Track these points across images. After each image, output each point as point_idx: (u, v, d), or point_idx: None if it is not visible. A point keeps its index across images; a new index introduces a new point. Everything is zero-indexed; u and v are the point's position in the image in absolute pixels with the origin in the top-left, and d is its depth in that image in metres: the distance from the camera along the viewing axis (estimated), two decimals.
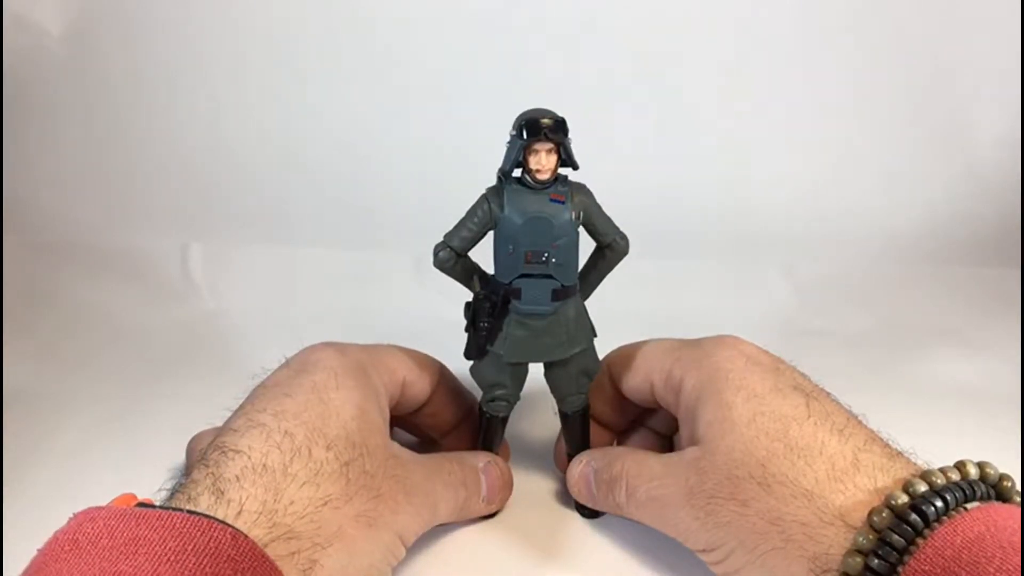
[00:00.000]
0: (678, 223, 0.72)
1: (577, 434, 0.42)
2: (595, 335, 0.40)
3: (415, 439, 0.47)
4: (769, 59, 0.71)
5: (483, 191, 0.37)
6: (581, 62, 0.69)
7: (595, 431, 0.43)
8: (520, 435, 0.48)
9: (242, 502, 0.29)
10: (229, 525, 0.26)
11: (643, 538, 0.39)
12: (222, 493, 0.29)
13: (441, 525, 0.38)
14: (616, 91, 0.70)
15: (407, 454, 0.36)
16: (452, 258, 0.37)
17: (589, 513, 0.42)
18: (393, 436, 0.37)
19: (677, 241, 0.71)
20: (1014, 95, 0.72)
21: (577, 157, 0.36)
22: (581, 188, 0.37)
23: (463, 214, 0.37)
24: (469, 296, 0.39)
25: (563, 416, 0.42)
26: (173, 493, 0.30)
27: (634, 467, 0.37)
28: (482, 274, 0.39)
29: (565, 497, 0.43)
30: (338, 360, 0.37)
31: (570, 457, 0.42)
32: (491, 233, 0.37)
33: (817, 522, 0.29)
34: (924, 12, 0.69)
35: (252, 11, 0.67)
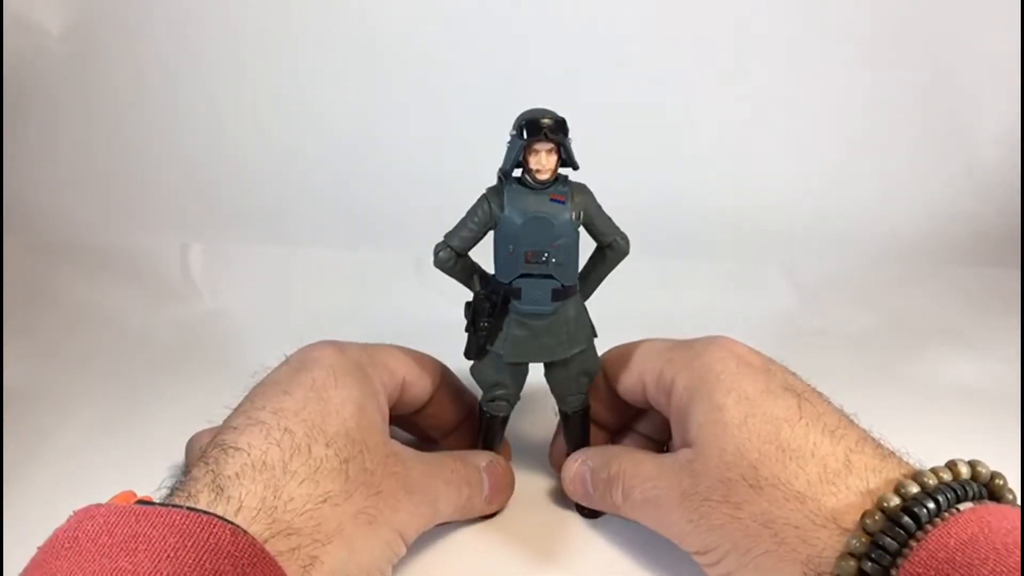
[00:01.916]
0: (678, 223, 0.72)
1: (577, 434, 0.42)
2: (595, 335, 0.40)
3: (414, 439, 0.46)
4: (770, 59, 0.71)
5: (483, 191, 0.37)
6: (581, 62, 0.69)
7: (590, 431, 0.43)
8: (520, 435, 0.48)
9: (241, 499, 0.29)
10: (228, 521, 0.26)
11: (642, 539, 0.39)
12: (222, 490, 0.29)
13: (441, 524, 0.38)
14: (616, 91, 0.70)
15: (407, 452, 0.36)
16: (452, 258, 0.38)
17: (589, 513, 0.42)
18: (392, 436, 0.37)
19: (677, 241, 0.71)
20: (1014, 95, 0.72)
21: (577, 157, 0.36)
22: (581, 188, 0.37)
23: (463, 214, 0.37)
24: (469, 296, 0.39)
25: (563, 416, 0.42)
26: (173, 491, 0.30)
27: (631, 467, 0.37)
28: (482, 274, 0.39)
29: (565, 497, 0.43)
30: (337, 358, 0.37)
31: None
32: (491, 233, 0.37)
33: (810, 525, 0.29)
34: (924, 12, 0.69)
35: (252, 11, 0.67)
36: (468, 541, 0.40)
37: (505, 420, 0.42)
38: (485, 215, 0.36)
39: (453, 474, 0.38)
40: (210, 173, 0.71)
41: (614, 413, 0.44)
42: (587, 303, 0.40)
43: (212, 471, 0.30)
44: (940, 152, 0.74)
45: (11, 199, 0.69)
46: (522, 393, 0.41)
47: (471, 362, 0.40)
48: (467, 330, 0.39)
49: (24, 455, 0.46)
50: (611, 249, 0.39)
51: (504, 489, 0.41)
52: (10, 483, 0.43)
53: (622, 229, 0.39)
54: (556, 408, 0.42)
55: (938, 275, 0.74)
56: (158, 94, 0.69)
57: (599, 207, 0.38)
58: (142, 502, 0.28)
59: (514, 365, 0.39)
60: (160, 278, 0.70)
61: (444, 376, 0.43)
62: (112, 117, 0.70)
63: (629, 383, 0.41)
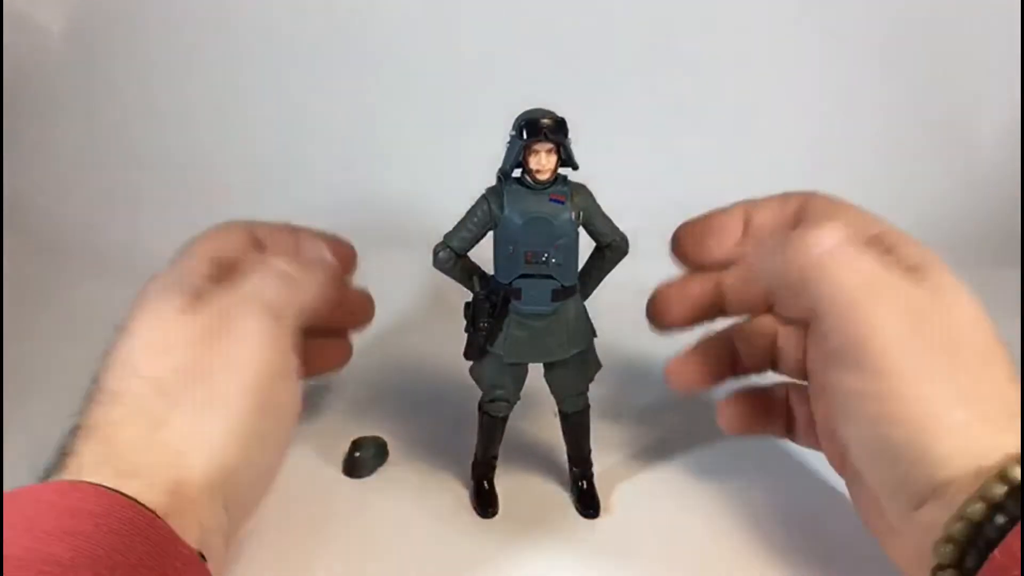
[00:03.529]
0: (678, 223, 0.72)
1: (577, 435, 0.42)
2: (595, 335, 0.40)
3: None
4: (770, 58, 0.71)
5: (483, 191, 0.37)
6: (581, 61, 0.69)
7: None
8: (520, 435, 0.48)
9: (81, 463, 0.29)
10: (80, 481, 0.27)
11: (643, 537, 0.39)
12: (65, 465, 0.29)
13: (434, 525, 0.38)
14: (617, 90, 0.70)
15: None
16: (452, 258, 0.38)
17: (590, 513, 0.42)
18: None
19: None
20: (1014, 95, 0.72)
21: (577, 157, 0.36)
22: (581, 188, 0.37)
23: (463, 214, 0.37)
24: (469, 296, 0.39)
25: (563, 416, 0.42)
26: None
27: None
28: (482, 274, 0.39)
29: (565, 497, 0.43)
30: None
31: (570, 459, 0.42)
32: (491, 233, 0.37)
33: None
34: (925, 11, 0.69)
35: (252, 11, 0.67)
36: (468, 540, 0.40)
37: (505, 420, 0.42)
38: (485, 215, 0.36)
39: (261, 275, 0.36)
40: (210, 174, 0.71)
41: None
42: (587, 303, 0.40)
43: (59, 452, 0.31)
44: (940, 152, 0.74)
45: (11, 199, 0.69)
46: (522, 393, 0.41)
47: (471, 362, 0.40)
48: (467, 330, 0.39)
49: (24, 455, 0.46)
50: (610, 249, 0.39)
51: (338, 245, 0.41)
52: (10, 483, 0.43)
53: (621, 229, 0.39)
54: (556, 408, 0.42)
55: None
56: (158, 94, 0.69)
57: (598, 207, 0.38)
58: None
59: (514, 365, 0.39)
60: None
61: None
62: (112, 117, 0.70)
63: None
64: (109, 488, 0.27)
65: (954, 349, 0.31)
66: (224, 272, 0.37)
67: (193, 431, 0.31)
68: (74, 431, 0.32)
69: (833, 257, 0.34)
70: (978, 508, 0.27)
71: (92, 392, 0.33)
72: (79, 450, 0.30)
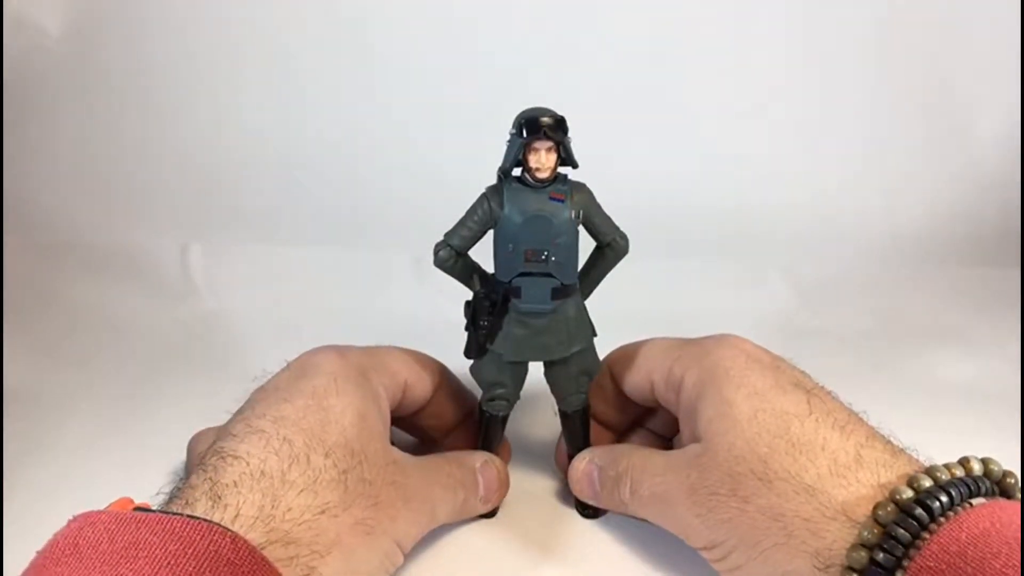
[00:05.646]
0: (677, 223, 0.72)
1: (577, 433, 0.42)
2: (595, 334, 0.40)
3: (413, 439, 0.46)
4: (770, 59, 0.71)
5: (483, 190, 0.37)
6: (581, 60, 0.69)
7: (596, 431, 0.43)
8: (520, 435, 0.48)
9: (239, 507, 0.29)
10: (228, 529, 0.26)
11: (643, 537, 0.39)
12: (219, 498, 0.29)
13: (438, 527, 0.38)
14: (616, 90, 0.70)
15: (406, 458, 0.36)
16: (452, 257, 0.38)
17: (589, 513, 0.42)
18: (392, 436, 0.37)
19: (677, 241, 0.71)
20: (1014, 95, 0.72)
21: (577, 156, 0.36)
22: (581, 187, 0.37)
23: (463, 213, 0.37)
24: (469, 295, 0.39)
25: (563, 415, 0.42)
26: (171, 497, 0.30)
27: (638, 463, 0.37)
28: (482, 273, 0.39)
29: (565, 496, 0.43)
30: (339, 364, 0.36)
31: (571, 457, 0.42)
32: (491, 232, 0.37)
33: (820, 517, 0.29)
34: (925, 13, 0.69)
35: (251, 12, 0.67)
36: (469, 540, 0.40)
37: (505, 419, 0.42)
38: (485, 214, 0.36)
39: (449, 478, 0.38)
40: (210, 173, 0.71)
41: (620, 413, 0.44)
42: (587, 303, 0.40)
43: (210, 479, 0.30)
44: (940, 152, 0.74)
45: (11, 199, 0.69)
46: (522, 393, 0.41)
47: (471, 361, 0.40)
48: (467, 329, 0.39)
49: (24, 455, 0.46)
50: (610, 248, 0.39)
51: (498, 489, 0.41)
52: (10, 483, 0.43)
53: (622, 228, 0.39)
54: (556, 408, 0.42)
55: (938, 275, 0.74)
56: (158, 94, 0.69)
57: (598, 206, 0.38)
58: (140, 509, 0.28)
59: (514, 364, 0.39)
60: (160, 278, 0.69)
61: (444, 376, 0.43)
62: (112, 117, 0.70)
63: (636, 381, 0.41)
64: (254, 550, 0.26)
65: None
66: None
67: (359, 550, 0.31)
68: (230, 458, 0.31)
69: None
70: (890, 511, 0.27)
71: (265, 428, 0.33)
72: (241, 493, 0.30)
